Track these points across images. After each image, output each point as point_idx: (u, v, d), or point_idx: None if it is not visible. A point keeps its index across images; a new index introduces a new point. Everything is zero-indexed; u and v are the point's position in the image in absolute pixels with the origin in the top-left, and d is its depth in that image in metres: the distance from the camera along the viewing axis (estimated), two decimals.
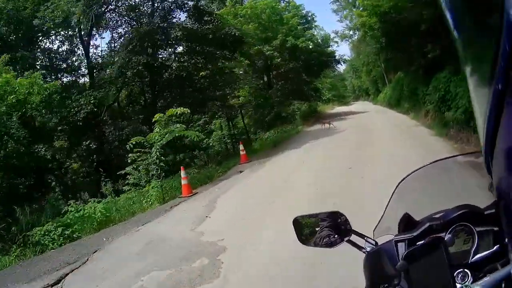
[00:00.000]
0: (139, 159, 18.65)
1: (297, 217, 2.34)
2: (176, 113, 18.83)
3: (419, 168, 2.18)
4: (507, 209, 1.06)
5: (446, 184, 2.38)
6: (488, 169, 1.04)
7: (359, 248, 2.08)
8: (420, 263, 1.54)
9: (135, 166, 19.05)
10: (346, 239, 2.13)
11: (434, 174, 2.29)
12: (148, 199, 16.65)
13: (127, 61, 25.93)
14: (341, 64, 55.23)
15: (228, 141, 39.44)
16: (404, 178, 2.18)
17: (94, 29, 30.05)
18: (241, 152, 22.60)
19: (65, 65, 31.66)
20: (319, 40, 50.51)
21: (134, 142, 18.38)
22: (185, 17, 30.35)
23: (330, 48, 52.22)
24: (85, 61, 31.03)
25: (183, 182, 16.81)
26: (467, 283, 1.59)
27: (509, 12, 0.69)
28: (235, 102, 38.47)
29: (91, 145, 26.06)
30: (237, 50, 32.21)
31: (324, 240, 2.19)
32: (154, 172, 18.39)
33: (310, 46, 44.63)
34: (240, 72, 42.22)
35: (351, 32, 54.21)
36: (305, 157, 19.58)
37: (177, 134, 19.03)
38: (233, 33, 28.72)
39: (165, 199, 16.50)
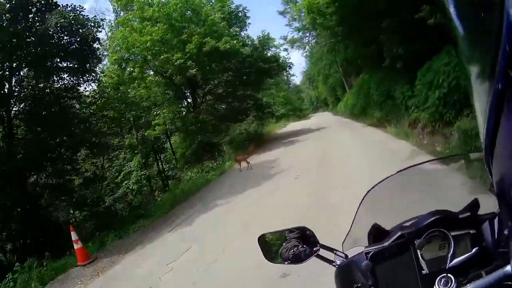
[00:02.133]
0: None
1: (262, 234, 2.23)
2: None
3: (386, 178, 2.04)
4: (507, 209, 1.02)
5: (415, 192, 2.25)
6: (489, 169, 1.01)
7: (329, 262, 1.98)
8: (387, 265, 1.50)
9: None
10: (315, 253, 1.97)
11: (402, 183, 2.15)
12: None
13: None
14: (287, 71, 44.23)
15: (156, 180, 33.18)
16: (370, 189, 2.04)
17: None
18: (75, 246, 13.20)
19: None
20: (255, 42, 38.07)
21: None
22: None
23: (271, 52, 40.46)
24: None
25: None
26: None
27: (509, 12, 0.68)
28: (150, 133, 30.68)
29: None
30: (88, 57, 20.64)
31: (291, 251, 2.04)
32: None
33: (243, 50, 32.67)
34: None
35: (300, 34, 47.97)
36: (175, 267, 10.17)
37: None
38: (61, 24, 17.73)
39: None
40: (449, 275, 1.46)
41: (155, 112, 32.78)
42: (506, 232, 1.30)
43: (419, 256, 1.52)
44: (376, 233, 1.81)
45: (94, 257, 13.29)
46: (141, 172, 30.93)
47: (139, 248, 13.17)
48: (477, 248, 1.53)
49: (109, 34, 32.89)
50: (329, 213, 9.52)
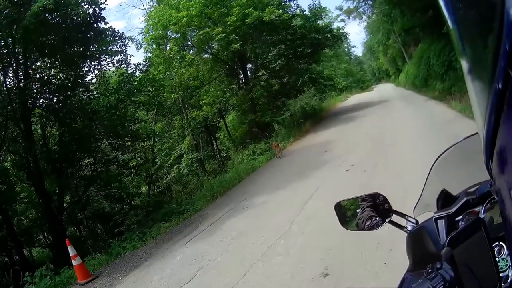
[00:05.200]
0: None
1: (338, 202, 2.31)
2: None
3: (453, 145, 2.13)
4: (507, 209, 0.95)
5: (481, 158, 1.48)
6: (489, 169, 1.04)
7: (401, 228, 2.05)
8: (462, 246, 1.35)
9: None
10: (387, 220, 2.06)
11: (468, 149, 2.11)
12: None
13: None
14: (342, 41, 40.55)
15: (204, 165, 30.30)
16: (439, 156, 2.13)
17: None
18: (73, 262, 11.09)
19: None
20: (306, 12, 34.02)
21: None
22: None
23: (324, 22, 36.33)
24: None
25: None
26: (503, 256, 1.48)
27: (509, 12, 0.65)
28: (198, 113, 28.59)
29: None
30: (91, 40, 17.81)
31: (367, 223, 2.13)
32: None
33: (294, 21, 29.82)
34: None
35: (355, 3, 42.97)
36: None
37: None
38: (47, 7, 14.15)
39: None
40: (501, 243, 1.47)
41: (203, 91, 30.24)
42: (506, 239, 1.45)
43: (488, 232, 1.34)
44: (445, 199, 1.87)
45: (95, 275, 11.34)
46: (192, 155, 28.84)
47: (145, 266, 10.85)
48: None
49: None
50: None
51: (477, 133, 1.80)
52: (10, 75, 16.48)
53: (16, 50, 15.65)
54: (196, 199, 17.59)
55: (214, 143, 34.53)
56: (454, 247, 1.30)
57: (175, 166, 28.35)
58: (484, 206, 1.63)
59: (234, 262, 8.22)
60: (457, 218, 1.70)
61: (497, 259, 1.41)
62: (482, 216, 1.61)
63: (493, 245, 1.44)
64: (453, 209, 1.71)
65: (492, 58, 0.69)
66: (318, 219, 8.48)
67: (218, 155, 32.33)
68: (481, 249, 1.29)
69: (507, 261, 1.43)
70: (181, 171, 28.22)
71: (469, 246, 1.31)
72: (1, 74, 16.11)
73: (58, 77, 17.91)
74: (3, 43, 15.29)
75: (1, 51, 15.47)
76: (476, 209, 1.68)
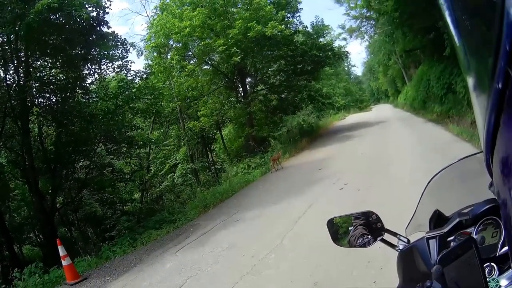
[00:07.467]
0: None
1: (331, 218, 2.31)
2: None
3: (448, 166, 2.11)
4: (507, 209, 0.92)
5: (475, 180, 1.99)
6: (489, 169, 1.01)
7: (392, 246, 2.08)
8: (453, 265, 1.37)
9: None
10: (379, 238, 2.10)
11: (463, 171, 2.20)
12: None
13: None
14: (343, 59, 40.16)
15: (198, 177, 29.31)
16: (433, 176, 2.12)
17: None
18: (63, 262, 10.96)
19: None
20: (309, 29, 34.57)
21: None
22: None
23: (326, 39, 36.67)
24: None
25: None
26: (494, 276, 1.51)
27: (509, 12, 0.66)
28: (195, 124, 28.01)
29: None
30: (93, 43, 17.96)
31: (358, 241, 2.15)
32: None
33: (296, 37, 30.06)
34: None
35: (357, 23, 42.49)
36: None
37: None
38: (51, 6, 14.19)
39: None
40: (492, 264, 1.50)
41: (202, 102, 30.09)
42: (503, 235, 1.56)
43: (480, 252, 1.33)
44: (437, 219, 1.89)
45: (84, 277, 11.30)
46: (187, 165, 28.57)
47: (135, 271, 10.72)
48: None
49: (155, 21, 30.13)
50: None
51: (471, 155, 1.92)
52: (11, 71, 16.56)
53: (18, 47, 15.76)
54: (188, 209, 17.52)
55: (210, 154, 34.33)
56: (445, 265, 1.30)
57: (169, 175, 28.14)
58: (477, 227, 1.66)
59: (224, 273, 8.17)
60: (449, 239, 1.71)
61: (487, 279, 1.39)
62: (474, 236, 1.63)
63: (484, 265, 1.44)
64: (445, 229, 1.73)
65: (492, 58, 0.70)
66: (310, 236, 8.40)
67: (213, 167, 31.99)
68: (472, 268, 1.30)
69: (497, 282, 1.43)
70: (175, 181, 27.96)
71: (460, 265, 1.33)
72: (2, 70, 16.19)
73: (58, 77, 17.97)
74: (6, 39, 15.36)
75: (3, 47, 15.55)
76: (468, 230, 1.70)
